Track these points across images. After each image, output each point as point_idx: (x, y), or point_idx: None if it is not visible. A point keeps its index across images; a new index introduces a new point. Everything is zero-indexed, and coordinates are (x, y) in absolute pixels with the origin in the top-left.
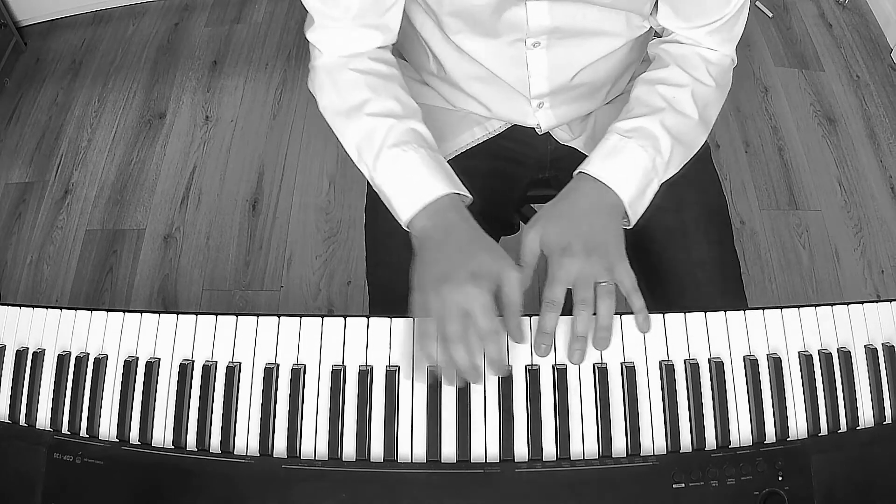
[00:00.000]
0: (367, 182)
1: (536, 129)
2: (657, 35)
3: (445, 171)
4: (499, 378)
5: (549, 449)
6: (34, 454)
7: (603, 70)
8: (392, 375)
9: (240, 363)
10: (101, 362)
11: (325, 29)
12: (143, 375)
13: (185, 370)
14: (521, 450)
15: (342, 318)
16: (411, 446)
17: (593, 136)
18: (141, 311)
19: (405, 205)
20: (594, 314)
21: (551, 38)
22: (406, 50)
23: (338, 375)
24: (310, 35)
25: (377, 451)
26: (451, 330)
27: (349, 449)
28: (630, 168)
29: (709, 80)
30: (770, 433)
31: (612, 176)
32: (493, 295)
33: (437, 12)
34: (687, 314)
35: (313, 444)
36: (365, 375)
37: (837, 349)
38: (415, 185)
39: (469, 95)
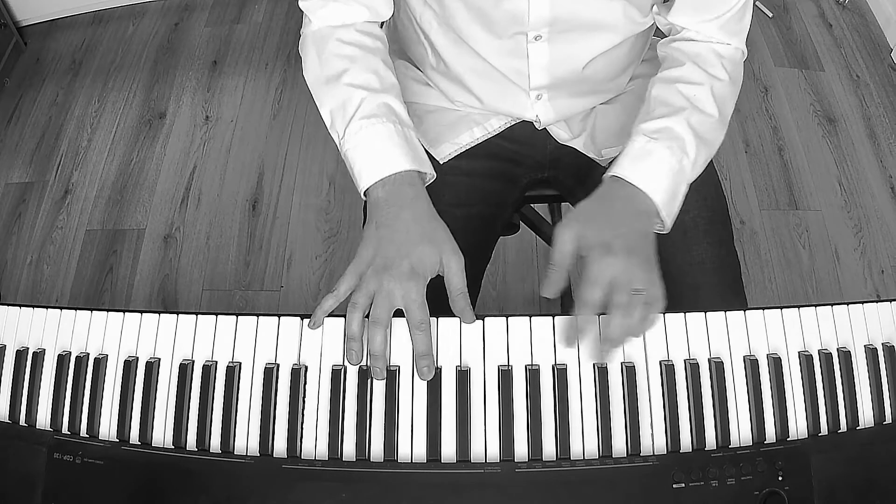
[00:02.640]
0: None
1: (535, 124)
2: (660, 35)
3: (412, 147)
4: (499, 378)
5: (549, 449)
6: (34, 454)
7: (603, 66)
8: (392, 375)
9: (240, 363)
10: (101, 362)
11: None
12: (143, 375)
13: (185, 370)
14: (521, 450)
15: (342, 319)
16: (411, 446)
17: (592, 135)
18: (141, 311)
19: (365, 174)
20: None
21: (552, 30)
22: (405, 44)
23: (338, 375)
24: (302, 3)
25: (377, 451)
26: (379, 314)
27: (349, 449)
28: (660, 170)
29: (724, 75)
30: (770, 433)
31: (644, 178)
32: (430, 282)
33: (441, 1)
34: (687, 314)
35: (313, 444)
36: (365, 375)
37: (837, 349)
38: (377, 156)
39: (467, 89)
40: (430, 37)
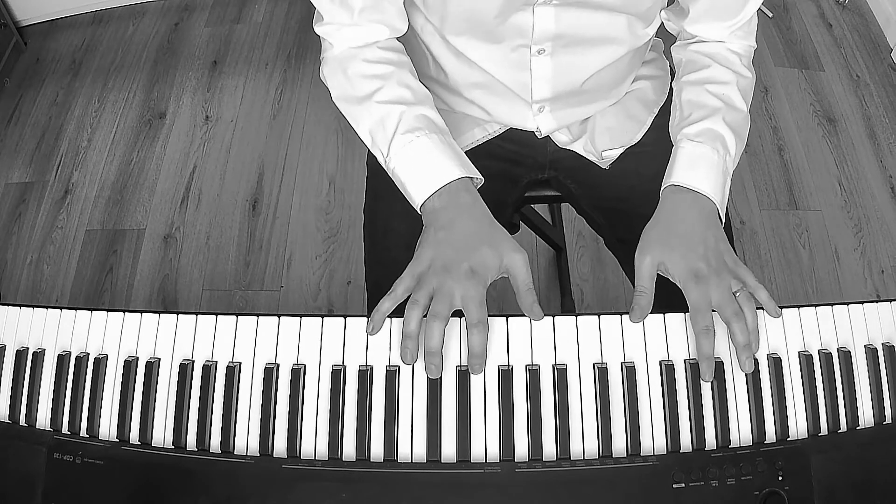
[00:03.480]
0: (366, 182)
1: (536, 133)
2: (660, 36)
3: (457, 154)
4: (499, 378)
5: (549, 449)
6: (34, 454)
7: (605, 77)
8: (392, 375)
9: (240, 363)
10: (101, 362)
11: (333, 24)
12: (143, 375)
13: (185, 370)
14: (521, 450)
15: (342, 318)
16: (411, 446)
17: (592, 138)
18: (141, 311)
19: (419, 189)
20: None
21: (555, 45)
22: (406, 51)
23: (338, 375)
24: (319, 29)
25: (377, 451)
26: (439, 309)
27: (349, 449)
28: (713, 172)
29: (745, 71)
30: (770, 433)
31: (700, 181)
32: (489, 285)
33: (442, 14)
34: (687, 314)
35: (313, 444)
36: (365, 375)
37: (837, 349)
38: (427, 169)
39: (468, 100)
40: (431, 49)
